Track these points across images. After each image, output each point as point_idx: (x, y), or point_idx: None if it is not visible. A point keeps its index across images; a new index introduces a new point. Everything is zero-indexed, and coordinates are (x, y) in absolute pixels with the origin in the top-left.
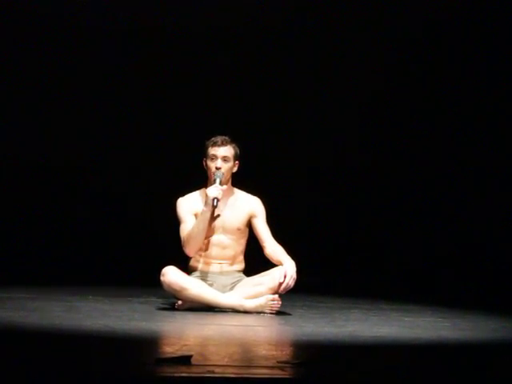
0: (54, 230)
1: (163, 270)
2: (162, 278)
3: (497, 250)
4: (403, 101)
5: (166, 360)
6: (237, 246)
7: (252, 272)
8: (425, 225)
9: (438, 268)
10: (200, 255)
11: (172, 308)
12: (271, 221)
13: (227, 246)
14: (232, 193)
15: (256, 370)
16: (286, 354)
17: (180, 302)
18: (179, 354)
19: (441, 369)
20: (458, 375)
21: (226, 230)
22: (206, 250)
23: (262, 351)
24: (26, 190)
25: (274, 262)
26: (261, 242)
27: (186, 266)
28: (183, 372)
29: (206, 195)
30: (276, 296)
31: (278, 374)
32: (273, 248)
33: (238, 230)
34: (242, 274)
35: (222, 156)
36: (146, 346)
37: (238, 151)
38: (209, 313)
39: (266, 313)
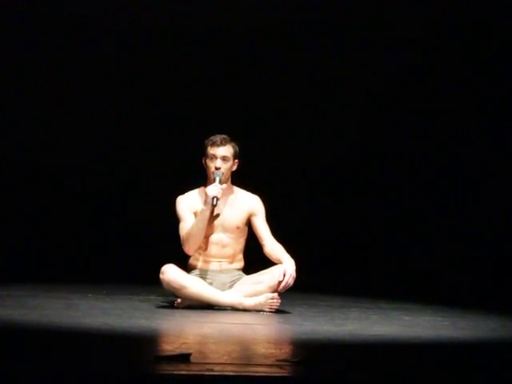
0: (53, 228)
1: (163, 268)
2: (161, 276)
3: (497, 250)
4: (403, 101)
5: (166, 358)
6: (236, 244)
7: (251, 270)
8: (425, 224)
9: (437, 267)
10: (199, 253)
11: (171, 306)
12: (271, 220)
13: (227, 244)
14: (231, 191)
15: (255, 368)
16: (285, 352)
17: (179, 300)
18: (178, 351)
19: (440, 368)
20: (457, 374)
21: (225, 229)
22: (206, 248)
23: (261, 349)
24: (25, 189)
25: (274, 261)
26: (260, 240)
27: (185, 265)
28: (182, 370)
29: (206, 194)
30: (275, 294)
31: (277, 372)
32: (272, 246)
33: (238, 228)
34: (241, 273)
35: (222, 156)
36: (146, 343)
37: (238, 150)
38: (208, 311)
39: (266, 311)
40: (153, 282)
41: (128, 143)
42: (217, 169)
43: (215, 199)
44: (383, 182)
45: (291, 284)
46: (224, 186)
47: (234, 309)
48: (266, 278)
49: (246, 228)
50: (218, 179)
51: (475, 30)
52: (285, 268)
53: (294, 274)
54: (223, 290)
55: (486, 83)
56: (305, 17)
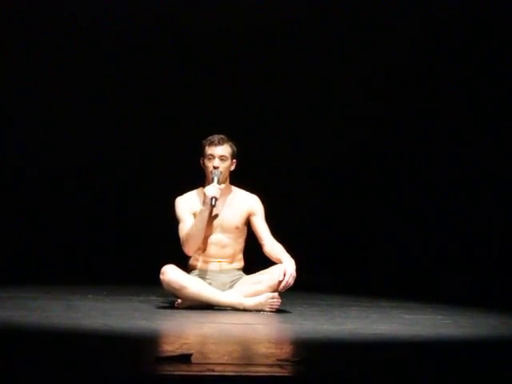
0: (53, 229)
1: (163, 269)
2: (161, 277)
3: (497, 248)
4: (404, 101)
5: (166, 358)
6: (236, 244)
7: (251, 270)
8: (425, 222)
9: (438, 265)
10: (199, 254)
11: (172, 307)
12: (271, 219)
13: (226, 244)
14: (230, 191)
15: (256, 368)
16: (285, 351)
17: (179, 301)
18: (179, 352)
19: (441, 366)
20: (458, 372)
21: (224, 229)
22: (205, 248)
23: (262, 349)
24: (25, 190)
25: (274, 260)
26: (260, 240)
27: (185, 265)
28: (183, 370)
29: (204, 194)
30: (275, 294)
31: (277, 372)
32: (272, 246)
33: (237, 228)
34: (241, 273)
35: (220, 155)
36: (146, 344)
37: (235, 149)
38: (208, 311)
39: (266, 311)
40: (153, 282)
41: (128, 143)
42: (215, 168)
43: (214, 199)
44: (383, 181)
45: (291, 284)
46: (222, 186)
47: (235, 309)
48: (266, 278)
49: (246, 228)
50: (216, 179)
51: (475, 30)
52: (285, 268)
53: (294, 273)
54: (223, 290)
55: (486, 83)
56: (305, 17)
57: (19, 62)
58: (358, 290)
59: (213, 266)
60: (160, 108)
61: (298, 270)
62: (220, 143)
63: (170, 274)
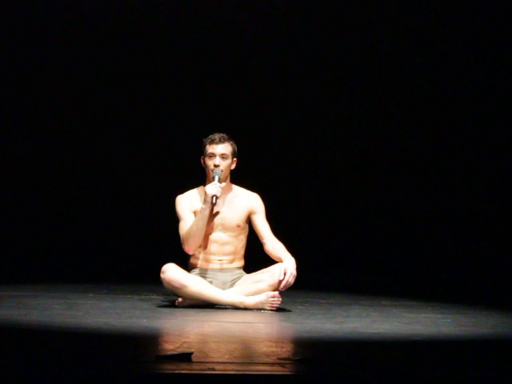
0: (54, 227)
1: (163, 268)
2: (162, 276)
3: (497, 247)
4: (404, 101)
5: (167, 357)
6: (236, 242)
7: (252, 269)
8: (425, 222)
9: (438, 264)
10: (200, 252)
11: (172, 305)
12: (272, 218)
13: (227, 243)
14: (231, 190)
15: (257, 366)
16: (286, 350)
17: (180, 299)
18: (180, 351)
19: (441, 365)
20: (458, 371)
21: (225, 227)
22: (206, 247)
23: (263, 348)
24: (26, 189)
25: (274, 259)
26: (261, 238)
27: (185, 264)
28: (184, 369)
29: (205, 193)
30: (276, 293)
31: (278, 370)
32: (273, 245)
33: (238, 226)
34: (242, 271)
35: (220, 154)
36: (147, 343)
37: (236, 148)
38: (209, 310)
39: (267, 309)
40: (153, 281)
41: (129, 142)
42: (216, 166)
43: (214, 198)
44: (384, 181)
45: (292, 282)
46: (223, 184)
47: (235, 308)
48: (267, 277)
49: (247, 226)
50: (217, 178)
51: (476, 30)
52: (285, 266)
53: (294, 272)
54: (224, 288)
55: (487, 83)
56: (305, 17)
57: (19, 62)
58: (359, 288)
59: (213, 265)
60: (161, 107)
61: (298, 268)
62: (221, 141)
63: (171, 272)
